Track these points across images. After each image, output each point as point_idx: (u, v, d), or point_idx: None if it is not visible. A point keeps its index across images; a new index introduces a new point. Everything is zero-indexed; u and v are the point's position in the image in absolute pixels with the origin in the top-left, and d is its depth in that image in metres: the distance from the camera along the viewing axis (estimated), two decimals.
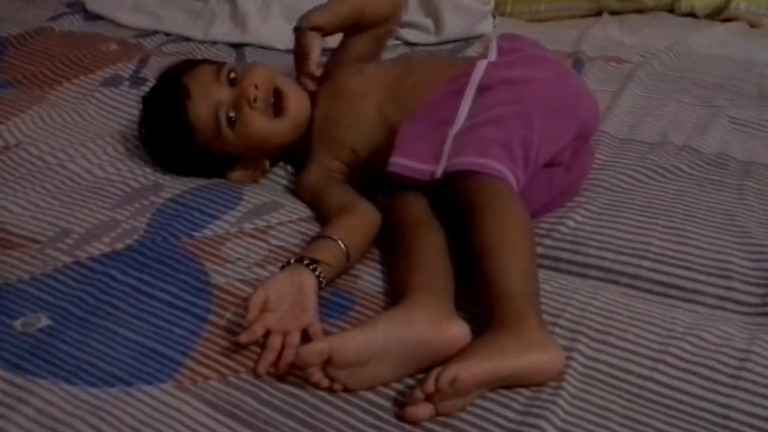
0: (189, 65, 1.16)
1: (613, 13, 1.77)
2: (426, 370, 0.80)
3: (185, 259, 0.97)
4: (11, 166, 1.17)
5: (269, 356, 0.82)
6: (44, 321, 0.88)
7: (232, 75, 1.09)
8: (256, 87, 1.08)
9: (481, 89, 1.02)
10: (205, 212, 1.05)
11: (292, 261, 0.90)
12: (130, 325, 0.87)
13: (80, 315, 0.89)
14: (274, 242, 1.01)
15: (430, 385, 0.74)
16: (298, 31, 1.16)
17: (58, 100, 1.36)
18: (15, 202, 1.09)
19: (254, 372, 0.81)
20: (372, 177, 1.06)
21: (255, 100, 1.07)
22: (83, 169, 1.17)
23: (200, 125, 1.08)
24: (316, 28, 1.14)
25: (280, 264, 0.96)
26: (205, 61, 1.19)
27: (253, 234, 1.02)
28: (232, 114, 1.08)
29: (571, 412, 0.77)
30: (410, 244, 0.93)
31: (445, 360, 0.79)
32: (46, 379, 0.80)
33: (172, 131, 1.10)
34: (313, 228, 1.04)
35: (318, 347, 0.78)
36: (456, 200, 0.93)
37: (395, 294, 0.89)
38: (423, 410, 0.75)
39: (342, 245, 0.93)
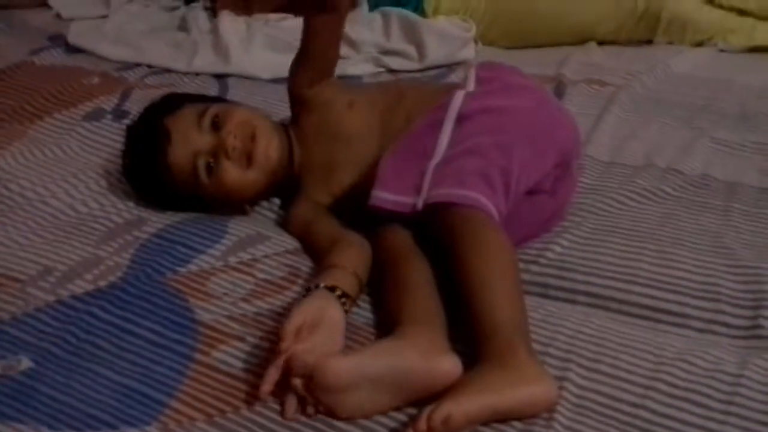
0: (174, 103, 1.14)
1: None
2: (415, 403, 0.78)
3: (169, 296, 0.95)
4: None
5: (293, 400, 0.79)
6: (26, 363, 0.86)
7: (216, 119, 1.08)
8: (235, 136, 1.07)
9: (460, 119, 1.01)
10: (189, 246, 1.04)
11: (321, 286, 0.87)
12: (113, 365, 0.86)
13: (63, 356, 0.87)
14: (261, 276, 1.00)
15: (422, 424, 0.73)
16: None
17: (40, 135, 1.35)
18: None
19: (283, 416, 0.79)
20: (358, 210, 1.05)
21: (233, 149, 1.06)
22: (65, 205, 1.15)
23: (178, 171, 1.08)
24: None
25: (267, 298, 0.95)
26: (190, 99, 1.17)
27: (239, 268, 1.01)
28: (210, 160, 1.07)
29: None
30: (399, 276, 0.92)
31: (435, 393, 0.77)
32: (28, 424, 0.79)
33: (152, 173, 1.10)
34: (300, 260, 1.03)
35: (302, 361, 0.77)
36: (437, 232, 0.92)
37: (385, 326, 0.88)
38: None
39: (357, 279, 0.92)
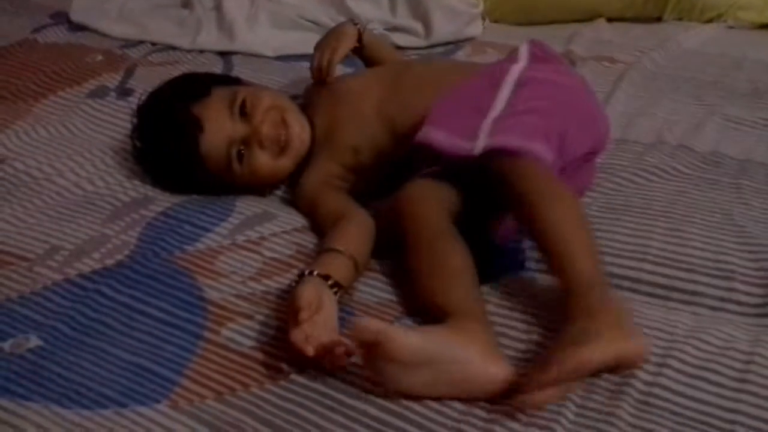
0: (198, 88, 1.10)
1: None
2: (449, 398, 0.78)
3: (178, 274, 0.95)
4: None
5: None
6: (34, 341, 0.86)
7: (243, 105, 1.07)
8: (267, 124, 1.07)
9: (518, 84, 1.02)
10: (196, 225, 1.03)
11: (315, 274, 0.86)
12: (122, 344, 0.85)
13: (71, 334, 0.87)
14: (268, 254, 0.99)
15: (553, 370, 0.74)
16: (343, 23, 1.23)
17: (44, 113, 1.34)
18: (2, 219, 1.06)
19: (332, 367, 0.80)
20: (371, 180, 1.05)
21: (267, 138, 1.07)
22: (72, 183, 1.15)
23: (211, 159, 1.07)
24: (359, 35, 1.21)
25: (275, 277, 0.95)
26: (209, 80, 1.15)
27: (247, 246, 1.00)
28: (242, 148, 1.07)
29: (576, 421, 0.76)
30: (438, 255, 0.89)
31: (480, 396, 0.77)
32: (38, 402, 0.78)
33: (182, 163, 1.08)
34: (308, 238, 1.02)
35: (375, 326, 0.76)
36: (498, 180, 0.90)
37: (424, 307, 0.86)
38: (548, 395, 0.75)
39: (353, 263, 0.91)
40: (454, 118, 0.97)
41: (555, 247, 0.84)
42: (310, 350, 0.78)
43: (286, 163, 1.10)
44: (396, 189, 0.96)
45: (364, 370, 0.79)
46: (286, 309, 0.87)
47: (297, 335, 0.79)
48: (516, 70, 1.04)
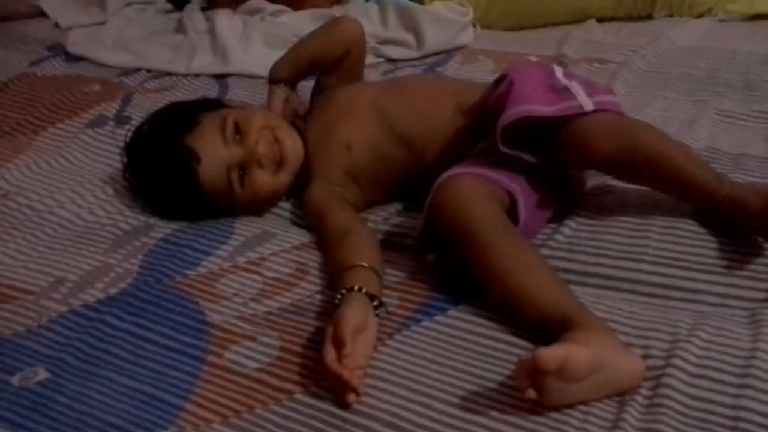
0: (185, 118, 1.10)
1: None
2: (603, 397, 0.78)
3: (180, 299, 0.96)
4: (0, 217, 1.16)
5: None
6: (42, 374, 0.87)
7: (236, 128, 1.08)
8: (261, 143, 1.08)
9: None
10: (197, 249, 1.04)
11: (363, 291, 0.86)
12: (128, 372, 0.86)
13: (77, 365, 0.88)
14: (269, 274, 1.00)
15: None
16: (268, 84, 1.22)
17: (44, 145, 1.36)
18: (6, 253, 1.08)
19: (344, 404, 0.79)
20: (371, 186, 1.08)
21: (265, 157, 1.08)
22: (73, 214, 1.16)
23: (212, 187, 1.08)
24: (278, 81, 1.20)
25: (277, 297, 0.95)
26: (195, 108, 1.14)
27: (247, 267, 1.01)
28: (241, 172, 1.08)
29: (581, 427, 0.76)
30: (524, 252, 0.89)
31: (625, 390, 0.78)
32: None
33: (183, 195, 1.09)
34: (307, 256, 1.03)
35: (558, 352, 0.74)
36: (606, 133, 0.95)
37: (532, 313, 0.85)
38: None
39: (379, 280, 0.91)
40: (536, 94, 0.98)
41: (684, 175, 0.95)
42: (347, 375, 0.77)
43: (284, 177, 1.11)
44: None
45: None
46: (328, 318, 0.85)
47: (331, 360, 0.79)
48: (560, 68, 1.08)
